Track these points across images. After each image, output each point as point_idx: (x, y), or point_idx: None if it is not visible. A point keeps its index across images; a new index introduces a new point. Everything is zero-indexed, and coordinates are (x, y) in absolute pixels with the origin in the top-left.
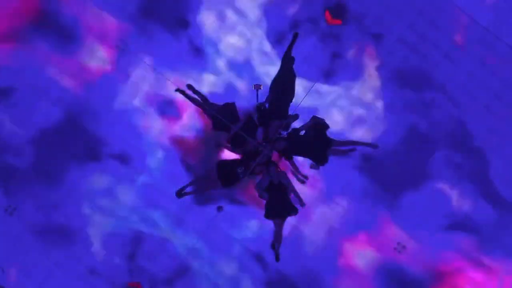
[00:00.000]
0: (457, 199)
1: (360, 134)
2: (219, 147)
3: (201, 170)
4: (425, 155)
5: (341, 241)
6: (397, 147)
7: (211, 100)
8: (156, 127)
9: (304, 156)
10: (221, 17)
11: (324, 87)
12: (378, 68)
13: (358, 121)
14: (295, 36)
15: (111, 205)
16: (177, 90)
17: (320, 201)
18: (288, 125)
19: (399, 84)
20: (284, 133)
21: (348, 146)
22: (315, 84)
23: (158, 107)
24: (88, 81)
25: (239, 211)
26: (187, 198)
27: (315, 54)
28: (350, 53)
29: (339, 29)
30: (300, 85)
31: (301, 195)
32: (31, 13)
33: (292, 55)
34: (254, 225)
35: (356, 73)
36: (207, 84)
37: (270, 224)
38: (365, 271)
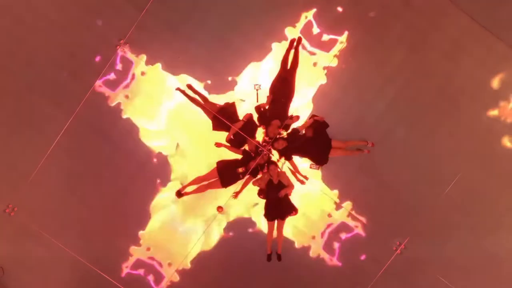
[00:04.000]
0: None
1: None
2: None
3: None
4: None
5: None
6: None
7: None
8: None
9: (304, 156)
10: None
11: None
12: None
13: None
14: (299, 41)
15: None
16: (177, 89)
17: None
18: (288, 125)
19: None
20: (284, 133)
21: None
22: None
23: None
24: None
25: None
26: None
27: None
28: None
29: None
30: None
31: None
32: None
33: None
34: None
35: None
36: None
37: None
38: None
